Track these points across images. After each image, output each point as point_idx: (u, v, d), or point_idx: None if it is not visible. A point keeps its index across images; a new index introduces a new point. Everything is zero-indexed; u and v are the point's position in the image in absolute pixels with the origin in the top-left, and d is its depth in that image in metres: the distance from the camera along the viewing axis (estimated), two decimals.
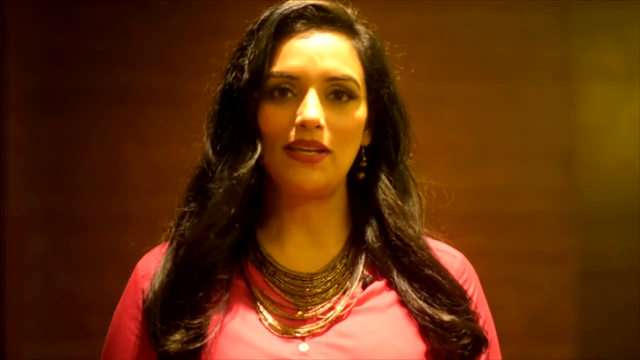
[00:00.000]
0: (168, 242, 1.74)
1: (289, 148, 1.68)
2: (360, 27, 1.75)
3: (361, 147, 1.74)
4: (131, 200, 3.87)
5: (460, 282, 1.74)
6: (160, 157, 3.82)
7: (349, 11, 1.75)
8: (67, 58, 3.89)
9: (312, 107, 1.67)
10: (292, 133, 1.68)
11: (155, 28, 3.91)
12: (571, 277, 3.99)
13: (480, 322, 1.73)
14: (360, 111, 1.72)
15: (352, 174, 1.75)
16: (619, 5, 4.05)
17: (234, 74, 1.72)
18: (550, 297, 3.97)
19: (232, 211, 1.68)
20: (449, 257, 1.77)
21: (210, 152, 1.72)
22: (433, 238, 1.79)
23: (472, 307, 1.72)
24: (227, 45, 1.77)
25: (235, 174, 1.68)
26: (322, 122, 1.67)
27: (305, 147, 1.67)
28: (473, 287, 1.76)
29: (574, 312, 3.99)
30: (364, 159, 1.75)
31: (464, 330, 1.68)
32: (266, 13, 1.73)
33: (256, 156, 1.69)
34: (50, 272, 3.85)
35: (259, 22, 1.73)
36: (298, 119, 1.67)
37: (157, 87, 3.89)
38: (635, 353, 3.97)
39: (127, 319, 1.73)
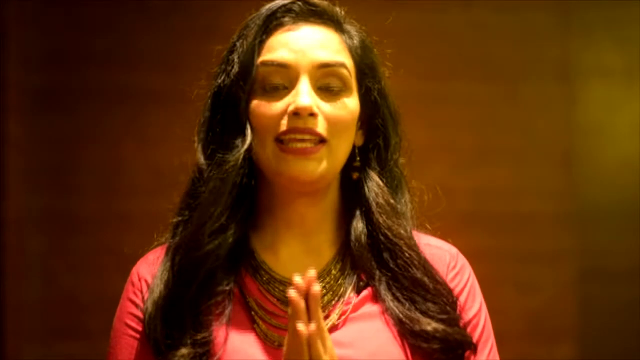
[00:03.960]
0: (163, 249, 1.72)
1: (281, 142, 1.66)
2: (348, 26, 1.75)
3: (354, 147, 1.73)
4: (131, 200, 3.87)
5: (452, 275, 1.73)
6: (160, 157, 3.81)
7: (337, 10, 1.75)
8: (67, 58, 3.89)
9: (305, 94, 1.65)
10: (284, 122, 1.65)
11: (155, 28, 3.91)
12: (571, 277, 3.99)
13: (470, 315, 1.71)
14: (353, 103, 1.70)
15: (345, 174, 1.74)
16: (619, 5, 4.05)
17: (223, 75, 1.71)
18: (550, 297, 3.97)
19: (219, 210, 1.65)
20: (441, 251, 1.75)
21: (202, 158, 1.70)
22: (426, 234, 1.78)
23: (460, 303, 1.70)
24: (216, 51, 1.77)
25: (223, 170, 1.66)
26: (315, 109, 1.65)
27: (300, 135, 1.65)
28: (466, 278, 1.74)
29: (574, 312, 3.98)
30: (357, 158, 1.74)
31: (448, 336, 1.66)
32: (254, 13, 1.73)
33: (245, 147, 1.66)
34: (50, 272, 3.85)
35: (247, 21, 1.73)
36: (291, 107, 1.65)
37: (157, 87, 3.88)
38: (635, 353, 3.97)
39: (128, 319, 1.70)
